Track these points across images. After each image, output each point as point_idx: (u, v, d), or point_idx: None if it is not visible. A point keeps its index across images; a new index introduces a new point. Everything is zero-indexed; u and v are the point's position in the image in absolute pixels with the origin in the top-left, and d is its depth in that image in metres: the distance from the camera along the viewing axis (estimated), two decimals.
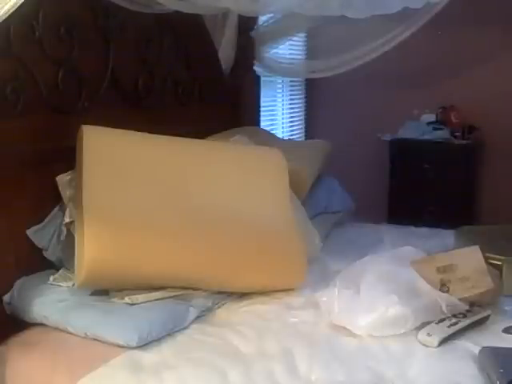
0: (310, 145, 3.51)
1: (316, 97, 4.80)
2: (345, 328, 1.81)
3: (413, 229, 3.00)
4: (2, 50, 1.95)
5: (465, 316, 1.82)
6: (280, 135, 4.36)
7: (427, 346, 1.72)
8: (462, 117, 4.24)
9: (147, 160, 2.06)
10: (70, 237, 1.99)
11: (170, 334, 1.80)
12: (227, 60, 3.30)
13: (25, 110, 2.02)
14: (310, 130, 4.88)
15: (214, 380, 1.56)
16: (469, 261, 1.98)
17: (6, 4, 1.35)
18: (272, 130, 4.12)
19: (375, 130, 4.42)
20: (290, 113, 4.76)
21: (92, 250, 1.81)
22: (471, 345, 1.71)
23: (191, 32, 2.95)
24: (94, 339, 1.75)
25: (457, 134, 4.21)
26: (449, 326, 1.77)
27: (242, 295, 2.09)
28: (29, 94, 2.04)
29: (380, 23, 2.97)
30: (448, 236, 2.64)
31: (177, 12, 2.52)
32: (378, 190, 4.37)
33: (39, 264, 2.04)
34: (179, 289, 1.97)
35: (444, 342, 1.73)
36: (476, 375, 1.56)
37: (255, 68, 3.54)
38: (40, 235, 2.04)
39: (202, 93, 3.04)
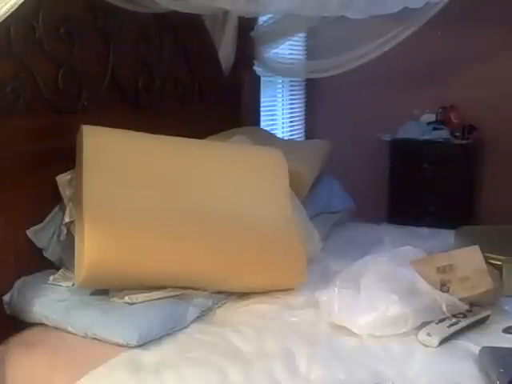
0: (310, 145, 3.51)
1: (316, 97, 4.79)
2: (345, 327, 1.81)
3: (413, 229, 2.99)
4: (2, 49, 1.95)
5: (465, 316, 1.82)
6: (280, 135, 4.35)
7: (427, 346, 1.72)
8: (462, 117, 4.23)
9: (147, 160, 2.07)
10: (70, 237, 1.99)
11: (170, 333, 1.80)
12: (227, 60, 3.30)
13: (25, 110, 2.02)
14: (310, 130, 4.87)
15: (214, 379, 1.56)
16: (469, 261, 1.97)
17: (6, 4, 1.35)
18: (272, 130, 4.11)
19: (375, 129, 4.42)
20: (290, 113, 4.75)
21: (92, 249, 1.81)
22: (471, 345, 1.71)
23: (191, 32, 2.95)
24: (94, 339, 1.76)
25: (457, 133, 4.20)
26: (449, 326, 1.76)
27: (242, 295, 2.09)
28: (29, 94, 2.04)
29: (380, 23, 2.97)
30: (448, 236, 2.63)
31: (176, 12, 2.52)
32: (377, 190, 4.36)
33: (39, 264, 2.04)
34: (179, 288, 1.96)
35: (444, 341, 1.72)
36: (476, 375, 1.56)
37: (255, 68, 3.54)
38: (40, 235, 2.04)
39: (202, 93, 3.04)
